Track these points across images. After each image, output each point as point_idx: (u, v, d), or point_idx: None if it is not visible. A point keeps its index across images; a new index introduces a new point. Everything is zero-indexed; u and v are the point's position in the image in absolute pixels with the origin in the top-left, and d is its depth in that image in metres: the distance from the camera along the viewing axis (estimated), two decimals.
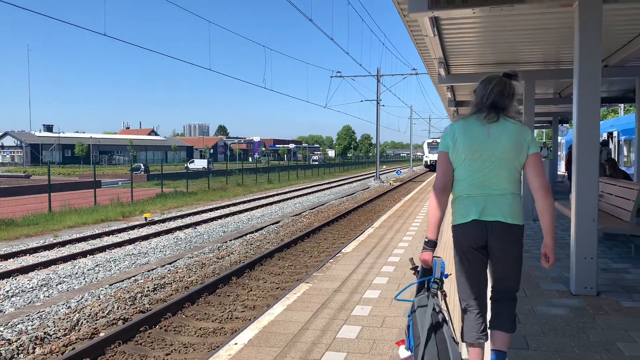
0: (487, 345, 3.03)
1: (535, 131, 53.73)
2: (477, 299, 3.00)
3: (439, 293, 2.85)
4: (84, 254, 12.35)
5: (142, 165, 55.39)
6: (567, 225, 9.26)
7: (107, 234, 15.45)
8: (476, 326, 2.95)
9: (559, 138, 29.46)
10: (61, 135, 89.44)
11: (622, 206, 7.27)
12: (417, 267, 3.04)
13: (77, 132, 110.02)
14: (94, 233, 15.30)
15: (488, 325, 3.02)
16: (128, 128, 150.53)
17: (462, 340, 3.00)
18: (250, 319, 7.18)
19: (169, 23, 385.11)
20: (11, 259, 11.99)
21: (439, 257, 2.94)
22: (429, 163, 64.96)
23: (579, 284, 5.42)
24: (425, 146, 67.17)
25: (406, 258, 7.64)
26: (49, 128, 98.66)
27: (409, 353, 2.80)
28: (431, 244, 2.95)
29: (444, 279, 2.87)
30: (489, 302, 3.09)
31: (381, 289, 5.89)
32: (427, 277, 2.93)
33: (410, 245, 8.72)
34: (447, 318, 2.79)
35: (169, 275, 10.12)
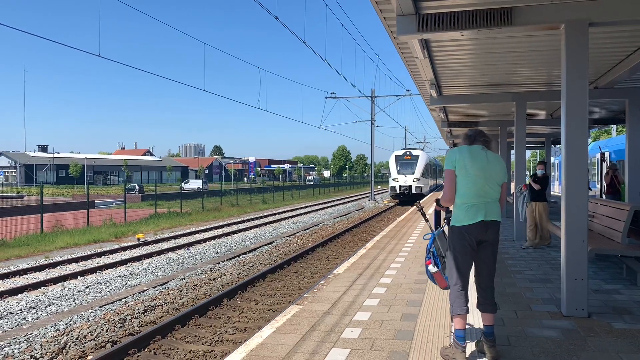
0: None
1: (528, 152, 54.01)
2: (466, 282, 4.04)
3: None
4: (74, 275, 12.23)
5: (136, 185, 55.24)
6: (560, 246, 9.22)
7: (99, 254, 15.33)
8: (463, 301, 4.00)
9: (552, 159, 29.61)
10: (56, 155, 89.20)
11: (613, 227, 7.27)
12: (422, 207, 4.83)
13: (72, 152, 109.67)
14: (86, 254, 15.17)
15: (479, 309, 4.11)
16: (123, 148, 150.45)
17: (452, 313, 4.01)
18: (240, 342, 7.09)
19: (164, 44, 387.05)
20: (0, 281, 11.86)
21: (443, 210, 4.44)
22: (398, 190, 36.28)
23: (570, 306, 5.39)
24: (392, 162, 37.45)
25: (398, 280, 7.58)
26: (43, 148, 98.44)
27: (436, 269, 4.17)
28: (444, 208, 4.37)
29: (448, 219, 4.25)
30: (473, 287, 4.15)
31: (372, 311, 5.83)
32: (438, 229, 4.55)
33: (403, 266, 8.66)
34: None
35: (159, 296, 10.02)
